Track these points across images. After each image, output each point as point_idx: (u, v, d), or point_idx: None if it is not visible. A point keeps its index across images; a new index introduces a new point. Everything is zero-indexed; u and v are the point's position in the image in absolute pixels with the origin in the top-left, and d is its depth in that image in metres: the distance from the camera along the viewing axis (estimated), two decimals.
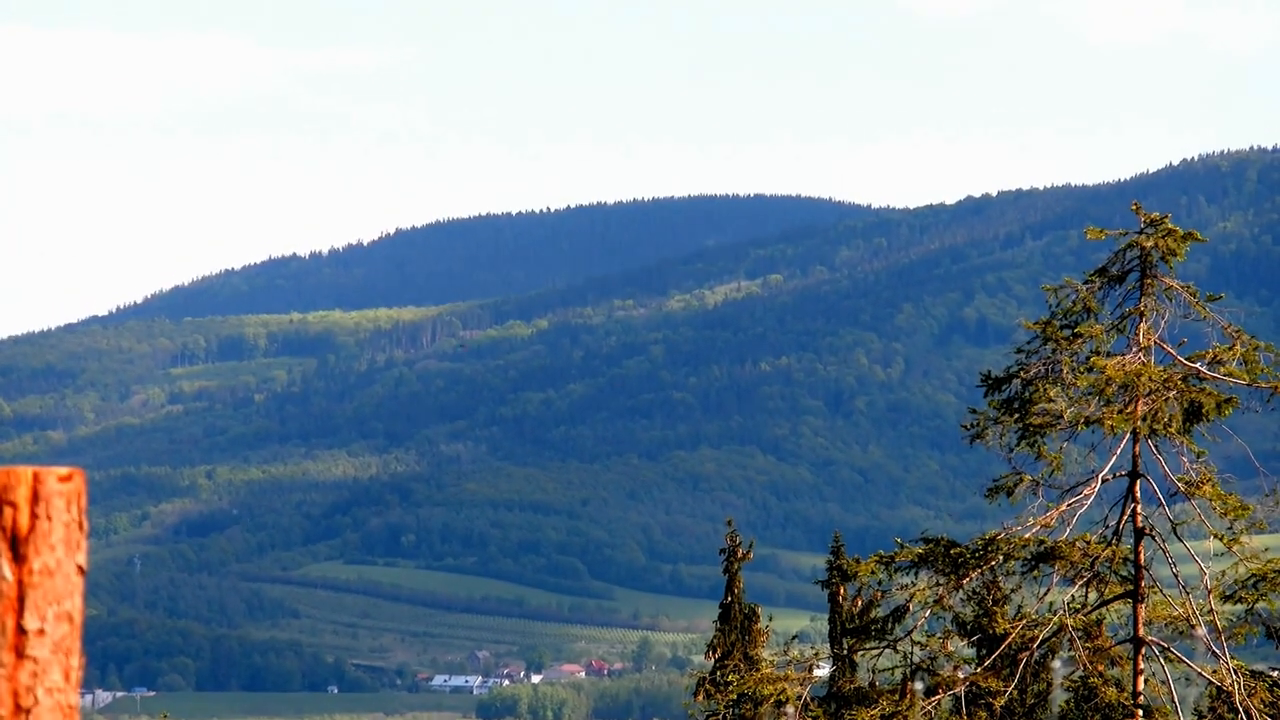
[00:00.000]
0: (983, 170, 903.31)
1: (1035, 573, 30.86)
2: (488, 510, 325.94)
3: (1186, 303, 30.51)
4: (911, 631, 31.22)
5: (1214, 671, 30.21)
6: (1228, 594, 30.42)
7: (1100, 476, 30.51)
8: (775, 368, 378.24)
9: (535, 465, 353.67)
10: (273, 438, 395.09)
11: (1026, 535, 30.46)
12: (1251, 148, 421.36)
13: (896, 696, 31.41)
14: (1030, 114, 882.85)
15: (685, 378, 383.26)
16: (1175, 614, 30.50)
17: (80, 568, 4.77)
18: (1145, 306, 30.48)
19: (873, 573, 31.13)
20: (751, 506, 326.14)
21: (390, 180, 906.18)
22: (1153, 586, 30.79)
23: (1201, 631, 30.18)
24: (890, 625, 31.42)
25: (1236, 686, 29.81)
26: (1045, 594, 30.93)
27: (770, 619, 42.70)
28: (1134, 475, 30.67)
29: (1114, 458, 30.48)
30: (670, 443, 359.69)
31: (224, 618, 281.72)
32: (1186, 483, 30.18)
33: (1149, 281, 30.56)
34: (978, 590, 31.38)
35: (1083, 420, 30.26)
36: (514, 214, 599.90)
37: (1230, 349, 30.26)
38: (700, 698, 39.09)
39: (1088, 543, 30.58)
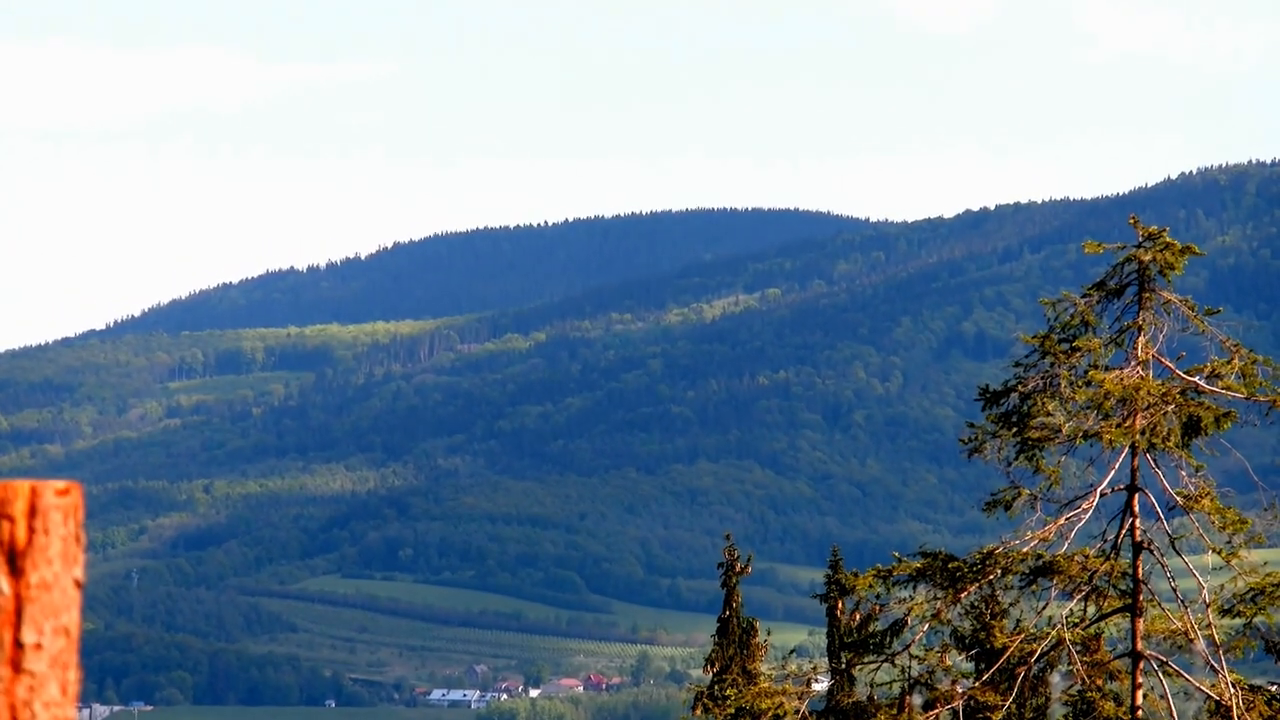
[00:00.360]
0: (981, 184, 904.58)
1: (1034, 587, 30.84)
2: (485, 524, 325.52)
3: (1185, 316, 30.54)
4: (910, 645, 31.19)
5: (1212, 685, 30.18)
6: (1226, 608, 30.40)
7: (1099, 490, 30.51)
8: (773, 381, 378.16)
9: (533, 479, 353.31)
10: (270, 451, 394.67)
11: (1025, 549, 30.45)
12: (1250, 161, 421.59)
13: (895, 710, 31.37)
14: (1028, 128, 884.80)
15: (683, 391, 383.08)
16: (1173, 628, 30.48)
17: (78, 581, 4.77)
18: (1143, 320, 30.51)
19: (871, 586, 31.11)
20: (749, 520, 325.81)
21: (388, 194, 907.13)
22: (1151, 600, 30.76)
23: (1200, 645, 30.16)
24: (888, 639, 31.39)
25: (1235, 701, 29.77)
26: (1044, 608, 30.90)
27: (768, 633, 42.67)
28: (1132, 489, 30.66)
29: (1112, 472, 30.48)
30: (668, 456, 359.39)
31: (221, 632, 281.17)
32: (1185, 497, 30.17)
33: (1147, 295, 30.59)
34: (976, 604, 31.35)
35: (1081, 434, 30.27)
36: (511, 227, 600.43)
37: (1228, 363, 30.27)
38: (699, 712, 39.01)
39: (1086, 557, 30.56)
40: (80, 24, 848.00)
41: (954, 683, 31.62)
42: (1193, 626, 30.19)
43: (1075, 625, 30.80)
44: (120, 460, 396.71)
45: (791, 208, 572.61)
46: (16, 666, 4.61)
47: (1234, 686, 30.03)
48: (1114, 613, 31.00)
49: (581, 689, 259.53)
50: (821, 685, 34.63)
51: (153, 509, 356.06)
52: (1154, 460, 30.45)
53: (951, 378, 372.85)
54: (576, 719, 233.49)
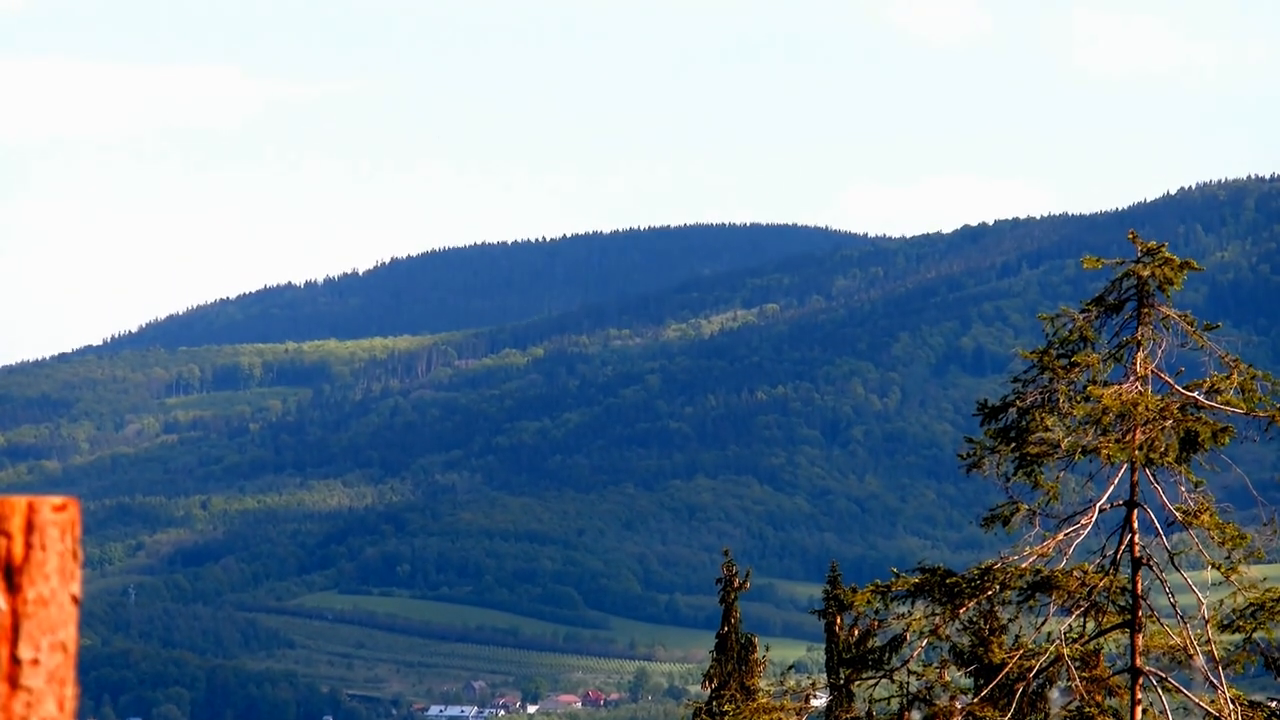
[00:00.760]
0: (979, 199, 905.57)
1: (1032, 602, 30.78)
2: (483, 540, 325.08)
3: (1184, 332, 30.52)
4: (908, 661, 31.11)
5: (1211, 701, 30.09)
6: (1225, 624, 30.34)
7: (1097, 506, 30.45)
8: (771, 397, 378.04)
9: (531, 495, 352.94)
10: (268, 467, 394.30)
11: (1023, 565, 30.39)
12: (1249, 176, 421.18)
13: None
14: (1027, 142, 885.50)
15: (681, 407, 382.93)
16: (1173, 644, 30.42)
17: (75, 597, 4.77)
18: (1142, 335, 30.50)
19: (869, 602, 31.05)
20: (748, 536, 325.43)
21: (385, 209, 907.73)
22: (1150, 616, 30.70)
23: (1199, 661, 30.09)
24: (887, 655, 31.32)
25: (1234, 717, 29.68)
26: (1042, 624, 30.84)
27: (767, 649, 42.59)
28: (1131, 505, 30.62)
29: (1111, 487, 30.44)
30: (666, 472, 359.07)
31: (219, 648, 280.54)
32: (1184, 512, 30.13)
33: (1146, 310, 30.58)
34: (974, 620, 31.27)
35: (1080, 450, 30.23)
36: (509, 243, 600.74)
37: (1228, 378, 30.25)
38: None
39: (1085, 572, 30.50)
40: (81, 42, 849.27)
41: (952, 699, 31.54)
42: (1192, 642, 30.13)
43: (1074, 641, 30.73)
44: (117, 476, 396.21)
45: (790, 223, 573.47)
46: (14, 682, 4.60)
47: (1233, 702, 29.95)
48: (1113, 628, 30.94)
49: (579, 705, 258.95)
50: (820, 701, 34.53)
51: (150, 525, 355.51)
52: (1153, 476, 30.42)
53: (950, 393, 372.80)
54: None
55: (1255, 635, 30.36)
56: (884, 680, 31.31)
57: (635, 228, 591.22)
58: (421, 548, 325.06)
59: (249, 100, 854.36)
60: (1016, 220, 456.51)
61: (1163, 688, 30.36)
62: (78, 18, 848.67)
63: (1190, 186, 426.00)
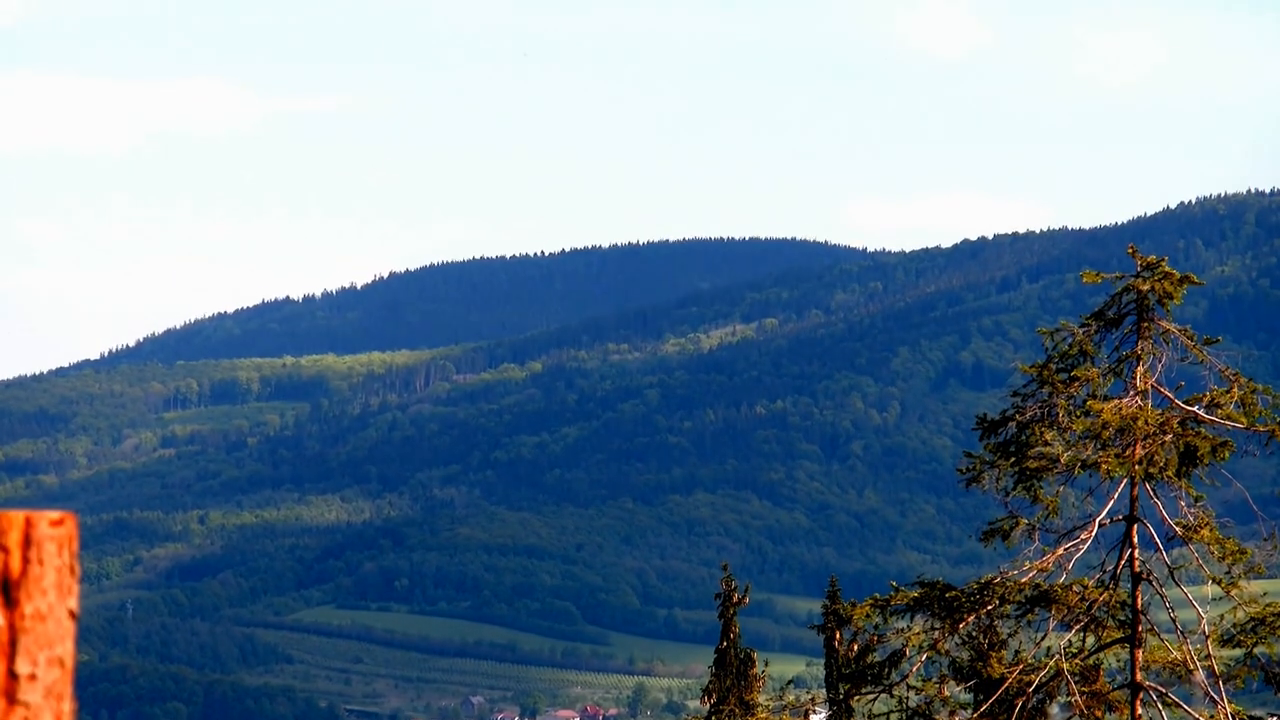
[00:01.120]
0: (978, 213, 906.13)
1: (1031, 616, 30.70)
2: (481, 554, 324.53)
3: (1183, 346, 30.48)
4: (907, 676, 31.00)
5: (1211, 717, 29.99)
6: (1226, 638, 30.26)
7: (1097, 521, 30.39)
8: (770, 411, 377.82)
9: (529, 509, 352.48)
10: (265, 482, 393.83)
11: (1023, 580, 30.32)
12: (1249, 191, 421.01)
13: None
14: (1027, 157, 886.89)
15: (680, 421, 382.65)
16: (1173, 659, 30.34)
17: (72, 612, 4.77)
18: (1142, 350, 30.45)
19: (868, 616, 30.96)
20: (747, 551, 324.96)
21: (383, 223, 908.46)
22: (1150, 631, 30.62)
23: (1199, 676, 30.01)
24: (886, 670, 31.22)
25: None
26: (1042, 638, 30.75)
27: (766, 664, 42.46)
28: (1131, 519, 30.55)
29: (1111, 502, 30.37)
30: (665, 487, 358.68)
31: (217, 663, 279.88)
32: (1184, 527, 30.06)
33: (1146, 325, 30.55)
34: (974, 635, 31.18)
35: (1079, 464, 30.17)
36: (508, 257, 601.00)
37: (1227, 392, 30.21)
38: None
39: (1085, 587, 30.42)
40: (75, 55, 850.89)
41: (952, 714, 31.42)
42: (1192, 657, 30.05)
43: (1074, 656, 30.65)
44: (115, 491, 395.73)
45: (789, 237, 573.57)
46: (11, 698, 4.59)
47: (1233, 717, 29.85)
48: (1113, 643, 30.85)
49: None
50: (819, 716, 34.43)
51: (147, 540, 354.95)
52: (1153, 491, 30.37)
53: (949, 408, 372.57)
54: None
55: (1255, 650, 30.27)
56: (883, 695, 31.20)
57: (634, 242, 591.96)
58: (420, 563, 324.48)
59: (247, 114, 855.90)
60: (1016, 235, 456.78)
61: (1163, 703, 30.26)
62: (73, 33, 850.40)
63: (1190, 201, 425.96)
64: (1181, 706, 30.40)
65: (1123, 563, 30.57)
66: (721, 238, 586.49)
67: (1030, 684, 30.43)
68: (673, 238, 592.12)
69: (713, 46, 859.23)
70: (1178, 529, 30.12)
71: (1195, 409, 30.17)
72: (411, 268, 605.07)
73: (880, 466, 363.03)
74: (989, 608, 30.58)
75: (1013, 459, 30.63)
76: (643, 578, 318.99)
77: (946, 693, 31.56)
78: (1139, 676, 30.30)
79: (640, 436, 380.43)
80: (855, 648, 33.58)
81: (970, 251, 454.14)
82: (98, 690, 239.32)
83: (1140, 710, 30.32)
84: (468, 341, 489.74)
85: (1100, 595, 30.43)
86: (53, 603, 4.65)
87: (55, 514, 4.79)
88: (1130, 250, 31.65)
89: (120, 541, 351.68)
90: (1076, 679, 30.46)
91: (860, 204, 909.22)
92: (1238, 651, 30.49)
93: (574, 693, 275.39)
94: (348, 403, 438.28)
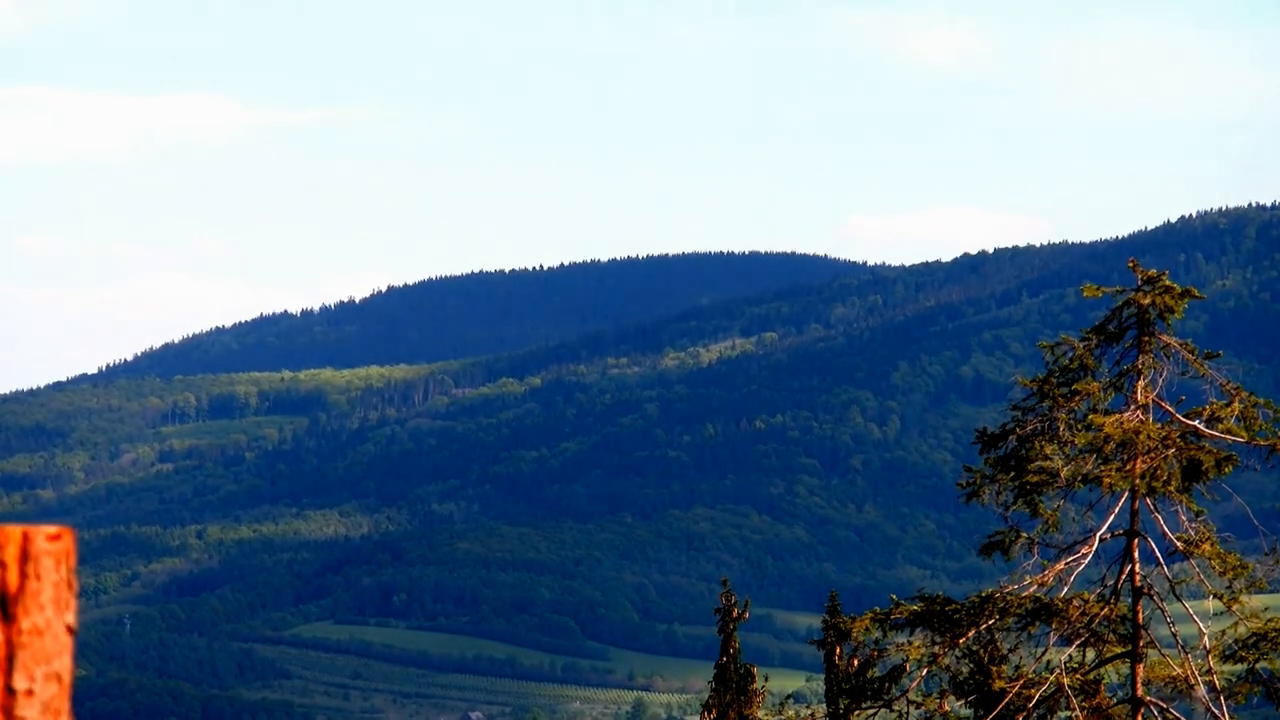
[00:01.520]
0: (979, 227, 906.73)
1: (1031, 629, 30.60)
2: (480, 570, 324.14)
3: (1184, 360, 30.42)
4: (908, 691, 30.89)
5: None
6: (1227, 654, 30.16)
7: (1098, 535, 30.30)
8: (770, 426, 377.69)
9: (528, 524, 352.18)
10: (264, 497, 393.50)
11: (1024, 594, 30.22)
12: (1250, 205, 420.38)
13: None
14: (1027, 171, 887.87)
15: (679, 436, 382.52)
16: (1174, 674, 30.23)
17: (69, 627, 4.77)
18: (1143, 364, 30.40)
19: (868, 630, 30.85)
20: (746, 566, 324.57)
21: (382, 237, 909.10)
22: (1151, 646, 30.51)
23: (1200, 691, 29.89)
24: (886, 685, 31.10)
25: None
26: (1043, 653, 30.65)
27: (766, 679, 42.32)
28: (1132, 534, 30.46)
29: (1112, 516, 30.29)
30: (664, 502, 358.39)
31: (215, 678, 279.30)
32: (1185, 541, 29.98)
33: (1146, 339, 30.49)
34: (974, 649, 31.07)
35: (1080, 478, 30.10)
36: (506, 271, 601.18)
37: (1228, 406, 30.15)
38: None
39: (1085, 601, 30.33)
40: (71, 69, 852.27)
41: None
42: (1193, 672, 29.95)
43: (1075, 670, 30.54)
44: (112, 505, 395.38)
45: (788, 251, 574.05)
46: (8, 713, 4.57)
47: None
48: (1114, 658, 30.74)
49: None
50: None
51: (145, 554, 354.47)
52: (1153, 505, 30.29)
53: (949, 422, 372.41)
54: None
55: (1257, 666, 30.16)
56: (883, 710, 31.08)
57: (633, 256, 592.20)
58: (418, 577, 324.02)
59: (246, 128, 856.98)
60: (1016, 249, 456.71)
61: (1164, 718, 30.12)
62: (72, 48, 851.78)
63: (1191, 215, 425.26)
64: None
65: (1123, 577, 30.48)
66: (721, 251, 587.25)
67: (1031, 699, 30.31)
68: (672, 252, 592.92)
69: (712, 60, 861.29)
70: (1179, 544, 30.04)
71: (1195, 423, 30.11)
72: (410, 282, 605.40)
73: (880, 481, 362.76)
74: (989, 622, 30.47)
75: (1012, 473, 30.54)
76: (642, 593, 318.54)
77: (947, 707, 31.44)
78: (1140, 691, 30.18)
79: (639, 451, 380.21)
80: (855, 662, 33.45)
81: (970, 265, 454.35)
82: (95, 706, 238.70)
83: None
84: (466, 356, 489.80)
85: (1101, 610, 30.33)
86: (50, 618, 4.65)
87: (52, 529, 4.77)
88: (1131, 264, 31.62)
89: (118, 556, 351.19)
90: (1077, 694, 30.34)
91: (860, 218, 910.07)
92: (1239, 667, 30.39)
93: (573, 708, 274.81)
94: (346, 417, 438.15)
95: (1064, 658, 30.42)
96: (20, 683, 4.56)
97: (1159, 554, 30.34)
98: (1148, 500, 30.23)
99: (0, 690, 4.55)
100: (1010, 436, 30.66)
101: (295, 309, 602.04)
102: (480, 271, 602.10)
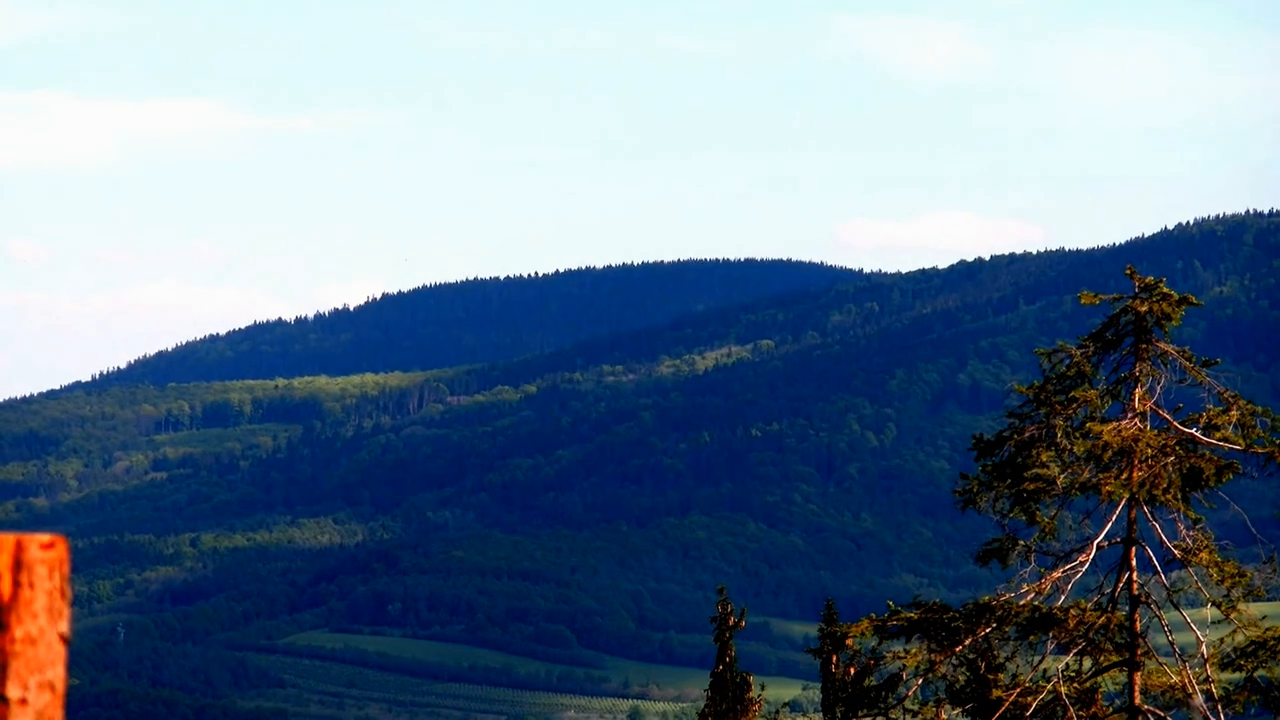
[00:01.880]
0: (975, 234, 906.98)
1: (1032, 638, 30.47)
2: (475, 578, 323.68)
3: (1182, 368, 30.31)
4: (905, 699, 30.74)
5: None
6: (1225, 662, 30.03)
7: (1095, 543, 30.17)
8: (766, 434, 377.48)
9: (523, 532, 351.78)
10: (258, 505, 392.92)
11: (1021, 602, 30.08)
12: (1248, 211, 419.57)
13: None
14: (1023, 178, 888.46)
15: (675, 444, 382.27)
16: (1172, 683, 30.10)
17: (63, 636, 4.77)
18: (1140, 371, 30.29)
19: (864, 636, 30.72)
20: (743, 574, 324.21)
21: (376, 245, 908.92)
22: (1149, 654, 30.37)
23: (1198, 700, 29.76)
24: (883, 694, 30.94)
25: None
26: (1040, 661, 30.50)
27: (763, 688, 42.16)
28: (1129, 542, 30.33)
29: (1109, 524, 30.16)
30: (660, 509, 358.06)
31: (209, 687, 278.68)
32: (1183, 550, 29.86)
33: (1144, 346, 30.38)
34: (971, 657, 30.93)
35: (1077, 486, 29.98)
36: (501, 278, 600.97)
37: (1226, 413, 30.04)
38: None
39: (1083, 610, 30.19)
40: (65, 75, 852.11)
41: None
42: (1191, 681, 29.82)
43: (1072, 679, 30.39)
44: (106, 513, 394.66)
45: (785, 258, 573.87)
46: None
47: None
48: (1111, 667, 30.60)
49: None
50: None
51: (139, 563, 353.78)
52: (1151, 513, 30.17)
53: (946, 430, 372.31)
54: None
55: (1255, 674, 30.03)
56: (880, 719, 30.90)
57: (629, 263, 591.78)
58: (413, 586, 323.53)
59: (239, 134, 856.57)
60: (1013, 256, 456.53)
61: None
62: (66, 53, 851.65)
63: (1188, 222, 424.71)
64: None
65: (1121, 585, 30.35)
66: (717, 259, 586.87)
67: (1028, 707, 30.16)
68: (667, 259, 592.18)
69: (707, 68, 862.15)
70: (1176, 552, 29.92)
71: (1193, 430, 30.00)
72: (405, 289, 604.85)
73: (877, 489, 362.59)
74: (986, 630, 30.33)
75: (1009, 481, 30.42)
76: (638, 601, 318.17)
77: (944, 716, 31.29)
78: (1138, 700, 30.04)
79: (635, 459, 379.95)
80: (852, 671, 33.28)
81: (967, 273, 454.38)
82: (89, 715, 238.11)
83: None
84: (461, 363, 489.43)
85: (1099, 618, 30.20)
86: (43, 626, 4.65)
87: (46, 537, 4.76)
88: (1128, 271, 31.52)
89: (111, 565, 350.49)
90: (1074, 702, 30.20)
91: (856, 225, 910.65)
92: (1237, 675, 30.26)
93: (568, 717, 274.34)
94: (341, 425, 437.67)
95: (1061, 666, 30.28)
96: (13, 691, 4.55)
97: (1157, 562, 30.21)
98: (1145, 508, 30.10)
99: None
100: (1007, 444, 30.53)
101: (289, 316, 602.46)
102: (475, 279, 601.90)
